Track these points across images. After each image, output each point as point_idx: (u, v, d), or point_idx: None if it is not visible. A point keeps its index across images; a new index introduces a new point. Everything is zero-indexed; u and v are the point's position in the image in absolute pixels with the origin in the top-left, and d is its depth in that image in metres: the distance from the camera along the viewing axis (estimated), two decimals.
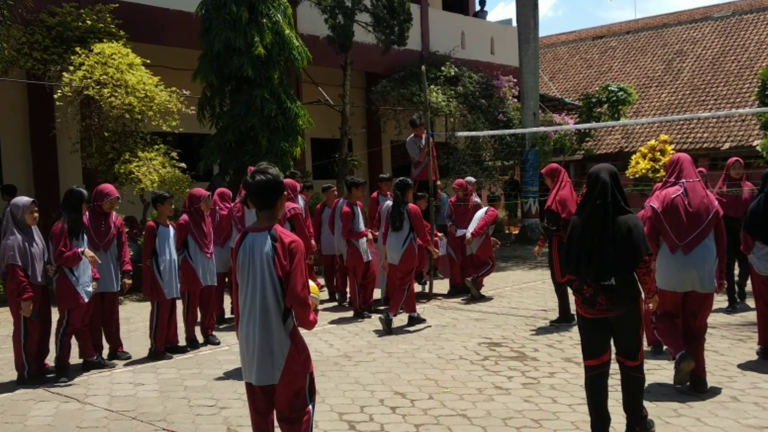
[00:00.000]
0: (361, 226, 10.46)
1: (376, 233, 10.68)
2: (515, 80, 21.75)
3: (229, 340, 8.83)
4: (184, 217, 8.49)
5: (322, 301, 11.15)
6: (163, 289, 8.07)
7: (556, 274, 9.06)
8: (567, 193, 8.84)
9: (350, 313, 10.43)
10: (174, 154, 13.43)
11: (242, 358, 4.24)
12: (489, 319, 9.82)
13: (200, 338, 8.78)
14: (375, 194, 11.96)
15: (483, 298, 11.38)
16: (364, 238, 10.41)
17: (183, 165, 13.42)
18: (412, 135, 13.50)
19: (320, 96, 18.64)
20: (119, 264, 8.08)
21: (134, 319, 10.46)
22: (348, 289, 10.93)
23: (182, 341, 8.57)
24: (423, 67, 12.87)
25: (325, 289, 11.93)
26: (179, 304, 8.51)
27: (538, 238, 10.15)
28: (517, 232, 21.76)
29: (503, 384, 6.72)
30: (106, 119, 12.80)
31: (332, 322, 9.99)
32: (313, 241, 10.00)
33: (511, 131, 18.70)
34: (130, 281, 8.09)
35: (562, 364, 7.34)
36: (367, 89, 21.49)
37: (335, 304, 11.44)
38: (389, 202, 10.00)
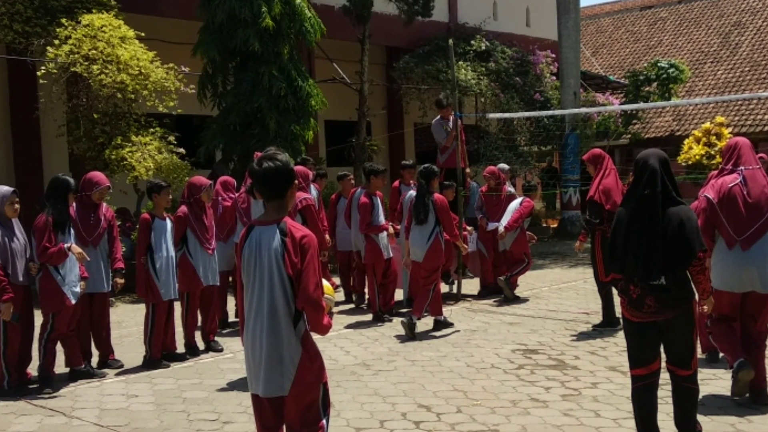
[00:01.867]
0: (381, 218, 10.42)
1: (398, 227, 10.68)
2: (553, 56, 21.66)
3: (233, 346, 8.87)
4: (183, 208, 8.50)
5: (338, 303, 11.17)
6: (159, 289, 8.07)
7: (599, 272, 9.04)
8: (611, 182, 8.83)
9: (369, 317, 10.44)
10: (171, 138, 13.45)
11: (248, 367, 4.26)
12: (524, 323, 9.81)
13: (201, 344, 8.82)
14: (396, 183, 11.94)
15: (517, 300, 11.36)
16: (385, 233, 10.39)
17: (181, 150, 13.44)
18: (438, 117, 13.49)
19: (335, 73, 18.65)
20: (110, 261, 8.10)
21: (127, 323, 10.53)
22: (366, 290, 10.95)
23: (181, 348, 8.61)
24: (450, 41, 12.84)
25: (341, 289, 11.96)
26: (177, 306, 8.55)
27: (579, 232, 10.12)
28: (555, 225, 21.71)
29: (540, 396, 6.72)
30: (95, 99, 12.83)
31: (349, 326, 10.02)
32: (327, 236, 10.00)
33: (549, 113, 18.62)
34: (122, 280, 8.11)
35: (606, 374, 7.33)
36: (388, 65, 21.49)
37: (352, 306, 11.48)
38: (412, 192, 9.99)
